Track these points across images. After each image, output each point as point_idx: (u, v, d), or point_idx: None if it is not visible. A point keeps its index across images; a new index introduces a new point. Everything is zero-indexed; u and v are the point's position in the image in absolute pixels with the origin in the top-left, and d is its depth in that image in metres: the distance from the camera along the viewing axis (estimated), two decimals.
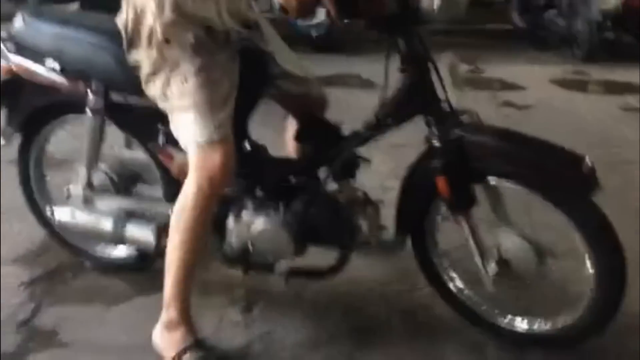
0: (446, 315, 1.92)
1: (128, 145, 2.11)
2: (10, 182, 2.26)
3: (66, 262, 2.21)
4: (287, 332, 1.89)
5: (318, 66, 4.41)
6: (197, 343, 1.74)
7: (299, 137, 1.89)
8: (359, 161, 1.82)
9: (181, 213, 1.66)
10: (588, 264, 1.65)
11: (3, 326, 1.88)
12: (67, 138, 2.14)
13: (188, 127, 1.63)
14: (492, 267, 1.71)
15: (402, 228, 1.82)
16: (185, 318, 1.75)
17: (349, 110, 2.05)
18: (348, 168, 1.80)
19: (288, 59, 1.84)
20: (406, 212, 1.81)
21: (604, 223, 1.60)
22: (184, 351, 1.70)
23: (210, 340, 1.81)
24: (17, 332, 1.87)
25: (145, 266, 2.13)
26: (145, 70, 1.64)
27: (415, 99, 1.66)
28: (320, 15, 4.73)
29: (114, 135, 2.02)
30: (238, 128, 1.70)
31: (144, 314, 1.80)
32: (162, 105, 1.68)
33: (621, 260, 1.61)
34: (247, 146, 1.83)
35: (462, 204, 1.70)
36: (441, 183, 1.66)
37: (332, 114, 1.92)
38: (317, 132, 1.87)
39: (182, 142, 1.67)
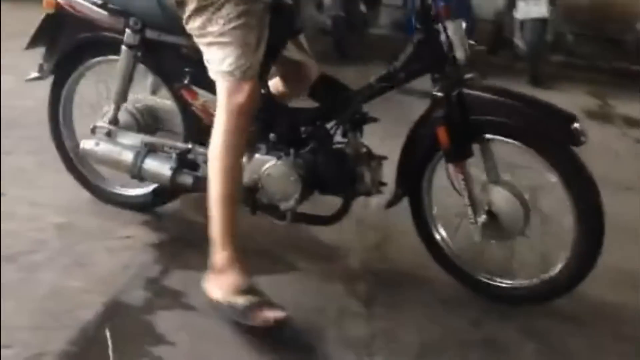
0: None
1: (154, 93, 2.28)
2: None
3: (189, 230, 2.26)
4: (410, 331, 1.84)
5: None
6: (250, 286, 1.75)
7: (313, 93, 2.07)
8: (367, 118, 1.97)
9: (218, 139, 1.80)
10: (570, 220, 1.80)
11: (132, 280, 1.93)
12: (95, 84, 2.27)
13: (225, 60, 1.79)
14: (482, 217, 1.87)
15: (402, 182, 1.97)
16: (239, 257, 1.78)
17: None
18: (356, 123, 1.96)
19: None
20: (407, 164, 1.96)
21: (590, 182, 1.76)
22: (239, 293, 1.72)
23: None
24: (145, 288, 1.91)
25: (158, 205, 2.29)
26: (191, 6, 1.81)
27: (424, 56, 1.85)
28: None
29: (142, 86, 2.24)
30: (259, 75, 1.87)
31: (271, 292, 1.78)
32: (199, 40, 1.85)
33: (600, 216, 1.77)
34: (265, 94, 1.97)
35: (460, 155, 1.85)
36: (442, 133, 1.82)
37: None
38: (330, 89, 2.04)
39: (215, 72, 1.82)
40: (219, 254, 1.78)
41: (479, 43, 5.65)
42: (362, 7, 5.07)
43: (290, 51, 2.04)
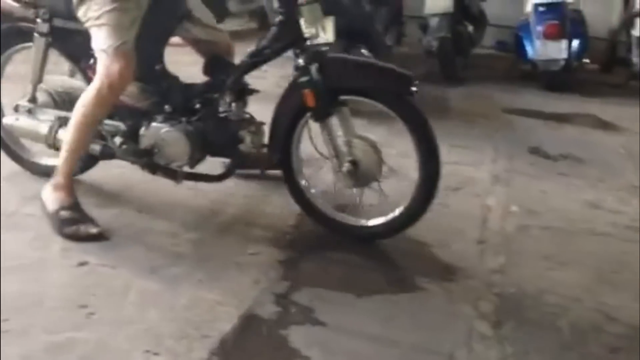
0: None
1: (72, 75, 2.64)
2: None
3: (313, 248, 2.33)
4: (544, 357, 1.79)
5: (550, 104, 4.26)
6: (73, 205, 2.30)
7: (205, 70, 2.43)
8: (248, 90, 2.36)
9: (80, 106, 2.26)
10: (415, 165, 2.21)
11: (262, 295, 2.01)
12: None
13: (100, 39, 2.20)
14: (346, 165, 2.24)
15: (275, 147, 2.33)
16: (68, 184, 2.34)
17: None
18: (239, 95, 2.32)
19: (198, 7, 2.45)
20: (279, 128, 2.31)
21: (427, 124, 2.18)
22: (62, 208, 2.28)
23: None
24: (275, 303, 1.98)
25: (78, 173, 2.55)
26: None
27: (286, 35, 2.21)
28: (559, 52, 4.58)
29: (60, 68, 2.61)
30: (152, 53, 2.35)
31: (396, 310, 1.80)
32: (86, 25, 2.24)
33: (437, 159, 2.19)
34: (160, 70, 2.38)
35: (324, 113, 2.22)
36: (308, 95, 2.18)
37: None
38: (218, 66, 2.39)
39: (96, 52, 2.22)
40: (57, 177, 2.33)
41: (593, 61, 5.49)
42: (469, 28, 5.06)
43: (197, 32, 2.44)
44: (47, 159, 2.68)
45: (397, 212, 2.28)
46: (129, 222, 2.41)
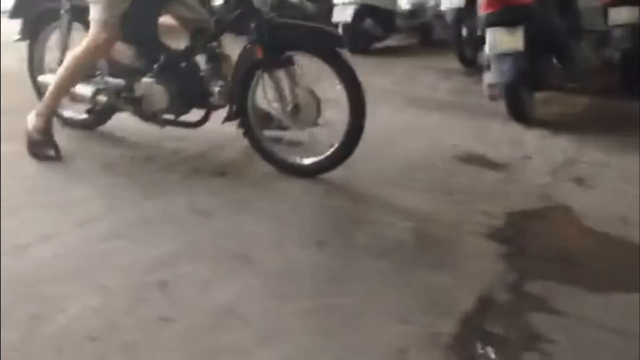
0: None
1: None
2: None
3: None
4: None
5: None
6: (45, 131, 3.02)
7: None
8: (220, 54, 3.01)
9: (71, 57, 2.97)
10: (346, 109, 2.72)
11: (493, 283, 2.07)
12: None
13: (95, 12, 2.85)
14: (289, 108, 2.80)
15: (235, 99, 2.90)
16: (48, 114, 3.03)
17: None
18: (212, 57, 2.99)
19: None
20: (238, 81, 2.88)
21: (354, 76, 2.69)
22: (36, 131, 3.00)
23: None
24: (509, 291, 2.03)
25: (94, 125, 3.43)
26: None
27: (241, 6, 2.80)
28: None
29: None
30: (146, 25, 2.96)
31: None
32: (89, 1, 2.89)
33: (362, 103, 2.71)
34: (151, 37, 2.99)
35: (271, 65, 2.79)
36: (258, 49, 2.76)
37: None
38: (196, 37, 3.02)
39: (91, 21, 2.87)
40: (41, 106, 3.02)
41: None
42: None
43: (184, 12, 3.03)
44: (67, 112, 3.46)
45: (328, 153, 2.83)
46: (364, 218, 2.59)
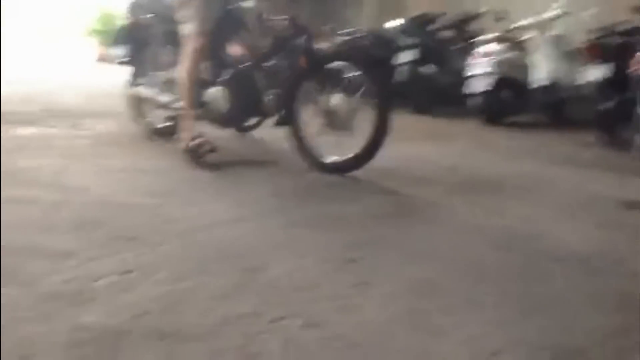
0: None
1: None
2: None
3: None
4: None
5: None
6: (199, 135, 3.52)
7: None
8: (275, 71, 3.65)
9: (184, 60, 3.53)
10: (372, 117, 3.14)
11: None
12: None
13: (189, 28, 3.51)
14: (324, 115, 3.34)
15: (285, 107, 3.50)
16: (190, 117, 3.57)
17: None
18: (268, 74, 3.62)
19: (253, 26, 3.71)
20: (285, 92, 3.48)
21: (388, 90, 3.53)
22: (192, 139, 3.48)
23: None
24: None
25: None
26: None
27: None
28: None
29: None
30: (218, 46, 3.66)
31: None
32: (181, 22, 3.56)
33: (388, 113, 3.15)
34: (221, 56, 3.71)
35: (313, 73, 3.38)
36: (302, 59, 3.39)
37: None
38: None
39: (185, 37, 3.52)
40: (183, 122, 3.59)
41: None
42: None
43: (251, 40, 3.69)
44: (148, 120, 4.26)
45: (351, 154, 3.24)
46: None
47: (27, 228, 2.21)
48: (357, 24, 8.42)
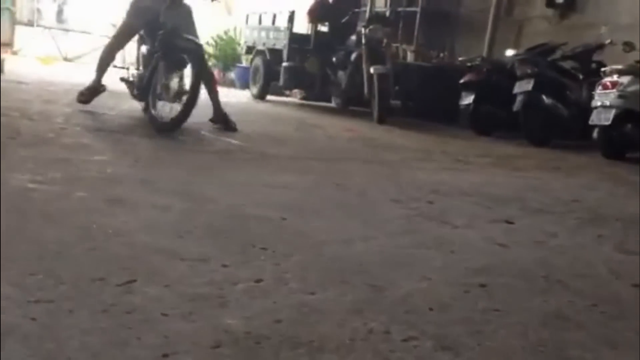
0: None
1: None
2: None
3: None
4: None
5: None
6: None
7: None
8: None
9: None
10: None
11: None
12: None
13: None
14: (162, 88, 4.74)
15: None
16: None
17: None
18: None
19: None
20: None
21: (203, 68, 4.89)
22: None
23: None
24: None
25: None
26: None
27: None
28: None
29: None
30: None
31: None
32: None
33: (196, 90, 4.54)
34: None
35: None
36: None
37: None
38: None
39: None
40: None
41: None
42: None
43: None
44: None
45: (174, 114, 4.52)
46: None
47: (163, 232, 2.31)
48: (479, 52, 8.44)
